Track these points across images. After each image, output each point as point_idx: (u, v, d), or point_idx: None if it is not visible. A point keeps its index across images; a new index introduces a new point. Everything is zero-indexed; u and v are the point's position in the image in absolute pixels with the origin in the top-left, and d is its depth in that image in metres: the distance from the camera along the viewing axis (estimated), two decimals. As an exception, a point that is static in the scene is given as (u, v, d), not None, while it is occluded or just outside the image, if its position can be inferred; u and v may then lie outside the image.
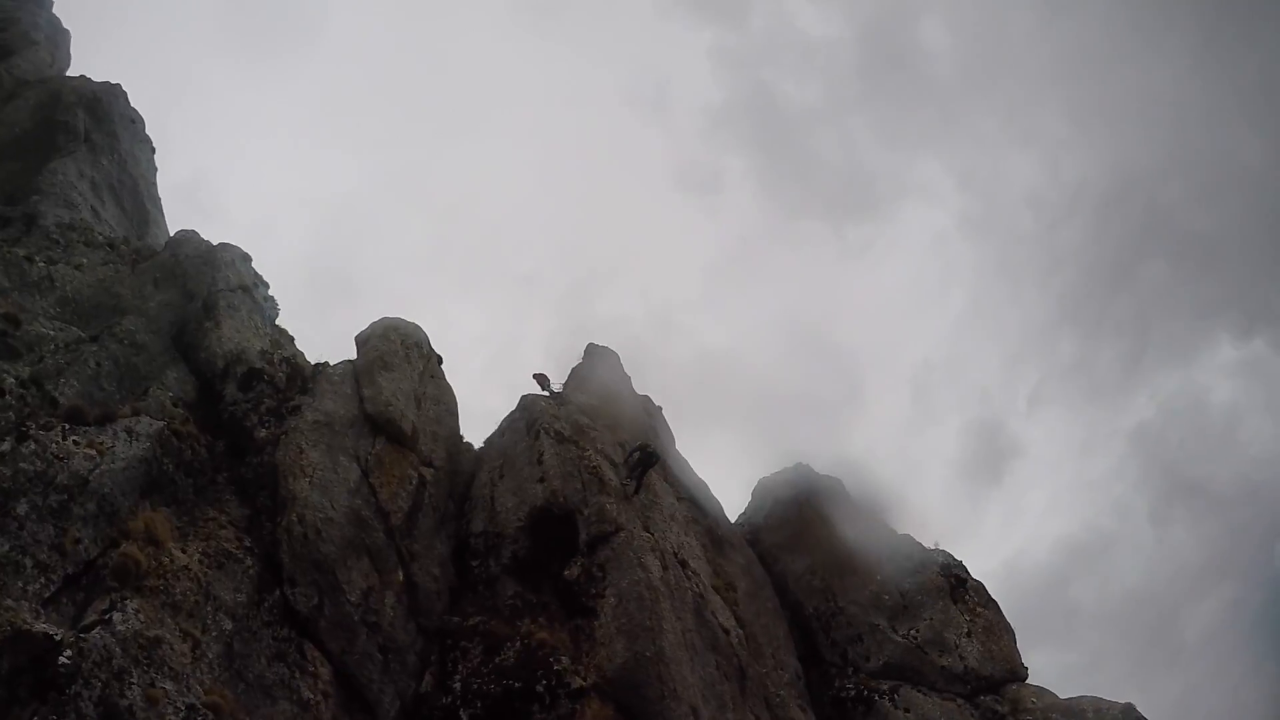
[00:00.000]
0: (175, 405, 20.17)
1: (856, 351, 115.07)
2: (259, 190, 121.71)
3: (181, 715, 13.68)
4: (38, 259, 21.98)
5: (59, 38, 35.03)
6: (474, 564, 21.83)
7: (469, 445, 25.59)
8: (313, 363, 24.59)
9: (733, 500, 29.90)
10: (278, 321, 27.19)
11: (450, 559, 21.77)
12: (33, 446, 15.49)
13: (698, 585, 22.05)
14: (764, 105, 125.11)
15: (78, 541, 15.00)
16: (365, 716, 17.60)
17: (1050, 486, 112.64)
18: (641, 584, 19.66)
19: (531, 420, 24.52)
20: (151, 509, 16.62)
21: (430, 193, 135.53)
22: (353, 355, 24.09)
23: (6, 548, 14.05)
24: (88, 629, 13.54)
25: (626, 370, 30.74)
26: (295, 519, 18.26)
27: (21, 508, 14.58)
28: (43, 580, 14.21)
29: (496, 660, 18.76)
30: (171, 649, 14.40)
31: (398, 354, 24.00)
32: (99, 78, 31.22)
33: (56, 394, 18.13)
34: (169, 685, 13.85)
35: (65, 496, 15.28)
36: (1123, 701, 23.60)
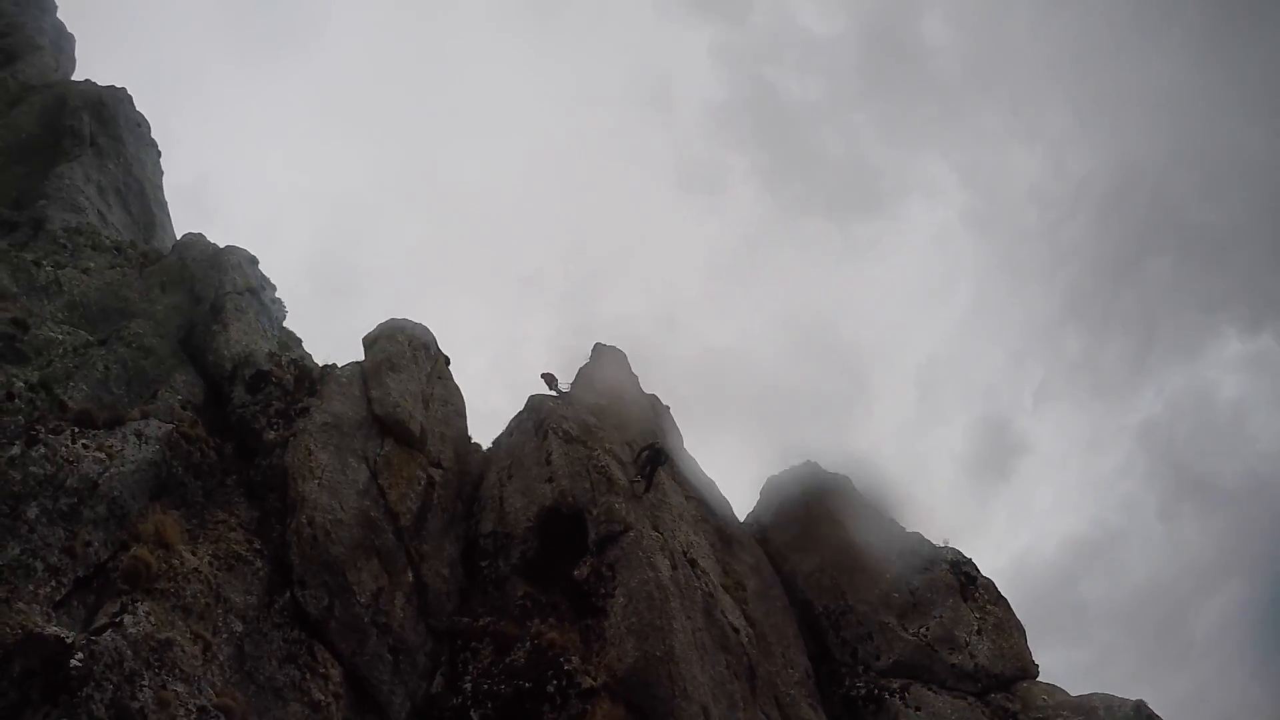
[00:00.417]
0: (184, 408, 20.23)
1: (862, 349, 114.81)
2: (263, 192, 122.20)
3: (193, 717, 13.66)
4: (45, 263, 22.05)
5: (63, 42, 35.15)
6: (483, 564, 21.83)
7: (477, 446, 25.59)
8: (320, 364, 24.62)
9: (741, 499, 29.80)
10: (285, 323, 27.28)
11: (459, 560, 21.79)
12: (42, 450, 15.51)
13: (707, 584, 21.99)
14: (766, 103, 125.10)
15: (88, 544, 15.03)
16: (376, 718, 17.60)
17: (1058, 483, 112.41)
18: (651, 583, 19.62)
19: (540, 420, 24.52)
20: (161, 512, 16.63)
21: (433, 193, 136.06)
22: (360, 356, 24.07)
23: (17, 551, 14.06)
24: (99, 632, 13.54)
25: (633, 369, 30.74)
26: (305, 521, 18.26)
27: (32, 511, 14.60)
28: (54, 583, 14.22)
29: (507, 661, 18.75)
30: (182, 651, 14.39)
31: (405, 355, 23.98)
32: (103, 82, 31.34)
33: (65, 398, 18.18)
34: (180, 687, 13.84)
35: (75, 500, 15.30)
36: (1134, 699, 23.46)
